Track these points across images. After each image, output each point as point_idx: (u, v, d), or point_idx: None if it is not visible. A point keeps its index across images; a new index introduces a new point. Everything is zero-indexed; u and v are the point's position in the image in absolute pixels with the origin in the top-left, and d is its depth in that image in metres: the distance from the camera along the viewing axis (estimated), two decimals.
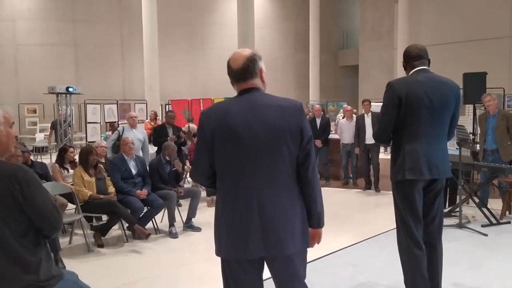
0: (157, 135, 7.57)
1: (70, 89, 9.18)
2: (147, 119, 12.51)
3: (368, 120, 8.25)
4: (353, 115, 8.98)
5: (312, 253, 4.28)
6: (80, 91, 9.64)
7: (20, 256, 1.87)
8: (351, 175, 9.11)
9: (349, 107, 9.26)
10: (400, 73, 14.06)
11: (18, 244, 1.86)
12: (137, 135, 7.05)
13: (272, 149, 2.06)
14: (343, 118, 9.41)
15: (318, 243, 2.28)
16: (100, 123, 12.19)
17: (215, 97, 13.65)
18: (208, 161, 2.13)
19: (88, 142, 10.65)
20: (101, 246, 5.30)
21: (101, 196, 5.32)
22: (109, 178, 5.67)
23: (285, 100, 2.16)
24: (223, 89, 17.13)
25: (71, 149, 6.43)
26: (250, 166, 2.06)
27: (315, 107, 9.45)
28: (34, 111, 17.03)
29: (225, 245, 2.12)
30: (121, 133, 7.14)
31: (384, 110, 3.14)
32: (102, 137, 10.75)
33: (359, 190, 8.56)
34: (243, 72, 2.15)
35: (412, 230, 3.09)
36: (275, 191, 2.07)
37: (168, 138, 7.35)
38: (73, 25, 18.21)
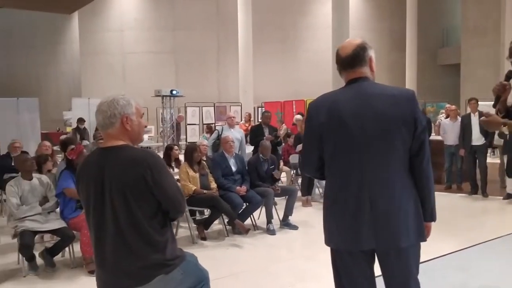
0: (254, 134, 7.78)
1: (174, 92, 9.81)
2: (241, 120, 12.88)
3: (474, 120, 7.71)
4: (458, 115, 8.45)
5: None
6: (183, 94, 10.25)
7: (150, 236, 2.04)
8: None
9: (453, 107, 8.72)
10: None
11: (148, 225, 2.03)
12: (235, 134, 7.31)
13: (384, 140, 2.02)
14: (446, 118, 8.88)
15: (427, 237, 2.18)
16: (199, 124, 12.80)
17: (307, 98, 13.70)
18: (317, 152, 2.15)
19: (188, 142, 11.23)
20: (204, 238, 5.57)
21: (205, 191, 5.59)
22: (211, 174, 5.93)
23: (396, 89, 2.12)
24: (315, 92, 17.13)
25: (176, 147, 6.83)
26: (362, 157, 2.04)
27: None
28: None
29: (335, 235, 2.12)
30: (220, 133, 7.48)
31: None
32: (201, 138, 11.27)
33: (463, 194, 8.01)
34: (351, 59, 2.12)
35: None
36: (387, 183, 2.03)
37: (264, 137, 7.52)
38: (173, 33, 19.38)
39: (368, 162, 2.03)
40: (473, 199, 7.70)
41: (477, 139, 7.68)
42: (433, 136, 9.03)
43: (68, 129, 18.52)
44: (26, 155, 5.04)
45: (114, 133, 2.09)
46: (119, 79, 19.16)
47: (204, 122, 12.85)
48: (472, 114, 7.85)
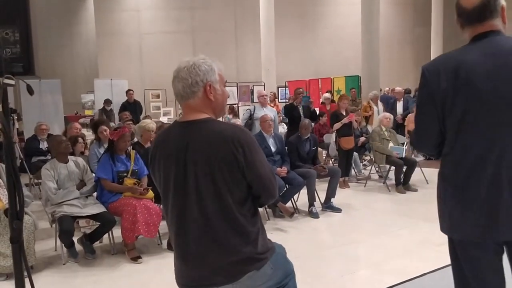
0: (288, 112, 7.46)
1: None
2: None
3: None
4: None
5: None
6: None
7: (241, 225, 1.73)
8: None
9: None
10: None
11: (239, 212, 1.72)
12: (268, 113, 6.97)
13: None
14: None
15: None
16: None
17: (334, 76, 13.25)
18: (437, 126, 1.79)
19: None
20: None
21: None
22: None
23: None
24: (337, 69, 16.69)
25: None
26: (498, 129, 1.68)
27: None
28: (158, 96, 18.04)
29: (461, 224, 1.76)
30: (252, 112, 7.16)
31: None
32: (224, 119, 10.95)
33: None
34: (480, 11, 1.75)
35: None
36: None
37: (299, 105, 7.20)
38: (191, 12, 18.92)
39: (507, 135, 1.68)
40: None
41: None
42: None
43: (87, 112, 18.35)
44: (61, 136, 4.77)
45: (196, 104, 1.76)
46: (135, 61, 18.84)
47: (227, 103, 12.54)
48: None
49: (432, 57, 18.87)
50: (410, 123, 9.50)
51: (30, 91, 1.83)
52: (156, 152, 1.82)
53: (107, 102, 11.06)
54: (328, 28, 19.26)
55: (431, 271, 3.48)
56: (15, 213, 1.85)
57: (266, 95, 7.37)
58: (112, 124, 8.36)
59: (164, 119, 16.15)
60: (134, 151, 4.59)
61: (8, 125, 1.83)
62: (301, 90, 7.75)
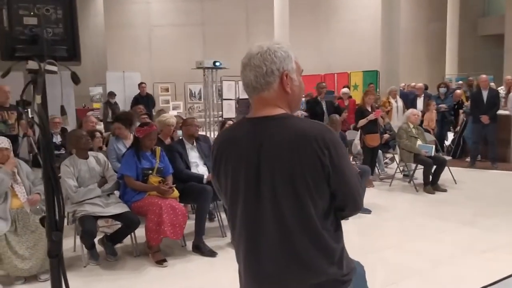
0: (311, 107, 7.18)
1: (217, 64, 9.19)
2: None
3: None
4: None
5: None
6: (226, 66, 9.63)
7: (325, 242, 1.47)
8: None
9: None
10: None
11: (322, 226, 1.46)
12: None
13: None
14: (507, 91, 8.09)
15: None
16: (235, 99, 12.17)
17: (351, 71, 12.94)
18: None
19: (224, 118, 10.66)
20: None
21: None
22: None
23: None
24: (351, 63, 16.34)
25: (230, 122, 6.28)
26: None
27: (481, 77, 8.22)
28: (167, 90, 17.75)
29: None
30: None
31: None
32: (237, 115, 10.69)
33: None
34: None
35: None
36: None
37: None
38: (201, 4, 18.61)
39: None
40: None
41: None
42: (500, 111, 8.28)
43: (96, 105, 18.09)
44: (80, 131, 4.51)
45: (271, 97, 1.49)
46: (145, 53, 18.59)
47: (240, 97, 12.19)
48: None
49: (447, 53, 18.48)
50: (430, 122, 9.20)
51: (75, 80, 1.56)
52: (222, 154, 1.54)
53: (111, 94, 10.59)
54: (342, 21, 18.91)
55: (489, 285, 3.19)
56: (54, 222, 1.59)
57: None
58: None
59: (173, 113, 15.92)
60: (159, 148, 4.31)
61: (47, 120, 1.57)
62: (324, 84, 7.47)
